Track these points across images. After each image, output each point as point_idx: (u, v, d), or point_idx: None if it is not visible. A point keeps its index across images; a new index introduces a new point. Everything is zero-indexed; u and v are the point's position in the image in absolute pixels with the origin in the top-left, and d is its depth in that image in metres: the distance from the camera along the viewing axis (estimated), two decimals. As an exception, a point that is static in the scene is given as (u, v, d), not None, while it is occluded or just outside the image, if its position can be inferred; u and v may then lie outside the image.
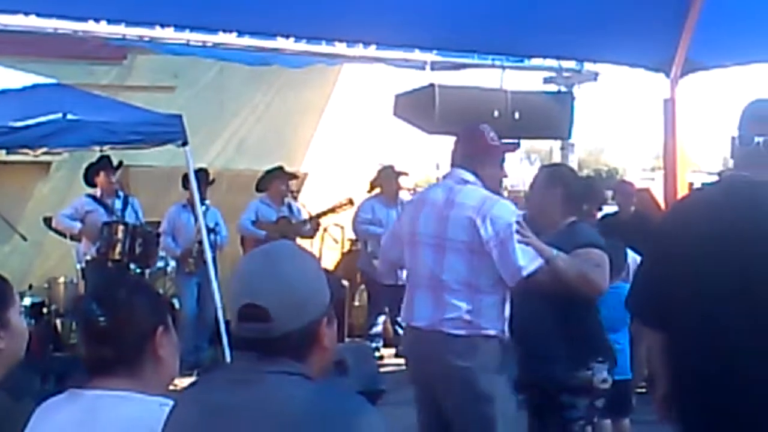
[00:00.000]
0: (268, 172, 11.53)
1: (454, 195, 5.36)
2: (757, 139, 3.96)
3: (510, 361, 5.33)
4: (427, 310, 5.32)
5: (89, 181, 10.70)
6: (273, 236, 10.53)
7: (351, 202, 11.70)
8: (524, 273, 5.11)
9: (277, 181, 11.44)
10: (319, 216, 11.64)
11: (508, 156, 5.71)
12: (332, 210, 11.73)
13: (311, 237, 11.57)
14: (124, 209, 10.58)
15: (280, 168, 11.54)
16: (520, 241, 5.10)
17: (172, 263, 11.38)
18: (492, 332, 5.23)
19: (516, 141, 5.98)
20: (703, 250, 3.90)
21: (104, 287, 2.82)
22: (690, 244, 3.96)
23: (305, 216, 11.67)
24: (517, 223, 5.13)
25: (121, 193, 10.76)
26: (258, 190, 11.53)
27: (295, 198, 12.15)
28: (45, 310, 11.33)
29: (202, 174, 10.55)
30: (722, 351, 3.82)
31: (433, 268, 5.30)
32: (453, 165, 5.54)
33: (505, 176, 5.74)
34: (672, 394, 4.10)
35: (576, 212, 5.59)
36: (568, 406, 5.43)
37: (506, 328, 5.29)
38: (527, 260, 5.12)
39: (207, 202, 10.80)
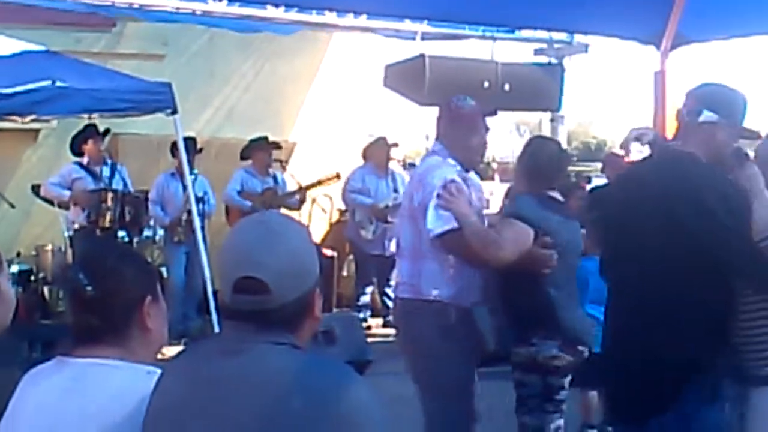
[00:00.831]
0: (252, 141, 11.51)
1: (417, 167, 5.81)
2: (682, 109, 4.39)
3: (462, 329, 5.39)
4: (398, 276, 5.79)
5: (76, 149, 10.67)
6: (259, 208, 10.53)
7: (338, 176, 11.69)
8: (431, 234, 5.28)
9: (261, 152, 11.42)
10: (305, 188, 11.63)
11: (493, 126, 5.75)
12: (319, 183, 11.72)
13: (297, 209, 11.56)
14: (111, 177, 10.57)
15: (265, 138, 11.52)
16: (440, 206, 5.22)
17: (161, 232, 11.36)
18: (431, 297, 5.37)
19: (493, 108, 5.94)
20: (626, 207, 4.44)
21: (92, 256, 2.82)
22: (620, 202, 4.57)
23: (290, 186, 11.69)
24: (444, 187, 5.24)
25: (108, 161, 10.74)
26: (242, 158, 11.52)
27: (284, 168, 12.14)
28: (32, 277, 11.33)
29: (190, 142, 10.53)
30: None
31: (398, 236, 5.72)
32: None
33: (480, 143, 5.63)
34: None
35: (537, 185, 5.47)
36: (518, 383, 5.47)
37: (456, 294, 5.37)
38: (438, 223, 5.26)
39: (195, 170, 10.80)
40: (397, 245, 5.69)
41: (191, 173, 10.38)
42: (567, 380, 5.46)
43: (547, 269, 5.28)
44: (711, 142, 4.28)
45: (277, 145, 11.63)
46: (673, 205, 4.13)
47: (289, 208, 11.20)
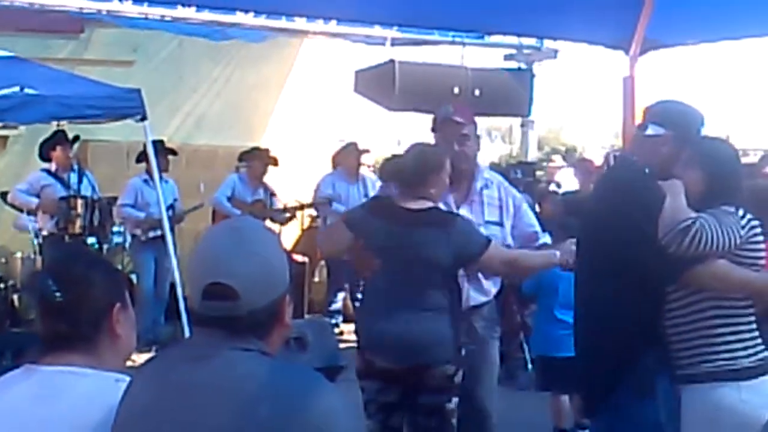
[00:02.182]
0: (253, 149, 11.53)
1: None
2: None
3: None
4: None
5: (44, 155, 10.58)
6: None
7: (330, 202, 11.61)
8: None
9: (257, 161, 11.42)
10: (296, 209, 11.65)
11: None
12: (311, 205, 11.75)
13: (283, 225, 11.56)
14: (79, 183, 10.49)
15: (266, 150, 11.52)
16: None
17: (130, 238, 11.29)
18: None
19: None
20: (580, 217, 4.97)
21: (61, 263, 2.80)
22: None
23: (277, 202, 11.68)
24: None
25: (76, 167, 10.65)
26: (240, 160, 11.51)
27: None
28: (2, 285, 11.24)
29: (158, 145, 10.53)
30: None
31: None
32: None
33: (449, 148, 5.55)
34: None
35: (399, 189, 5.46)
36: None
37: None
38: None
39: (163, 175, 10.81)
40: None
41: (161, 178, 10.43)
42: (371, 385, 5.26)
43: (365, 272, 5.39)
44: (655, 154, 4.46)
45: (275, 160, 11.59)
46: (601, 216, 4.45)
47: (276, 223, 11.21)
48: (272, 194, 11.72)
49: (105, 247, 10.69)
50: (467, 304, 5.48)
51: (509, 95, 10.60)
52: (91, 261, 2.83)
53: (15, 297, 11.25)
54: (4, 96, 8.35)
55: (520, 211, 5.75)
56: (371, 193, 11.44)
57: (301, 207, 11.71)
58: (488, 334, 5.69)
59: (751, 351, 4.26)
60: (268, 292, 2.39)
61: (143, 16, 10.81)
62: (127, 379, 2.50)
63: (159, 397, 2.35)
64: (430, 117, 5.82)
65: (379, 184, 12.26)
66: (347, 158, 11.95)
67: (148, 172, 10.71)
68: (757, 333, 4.30)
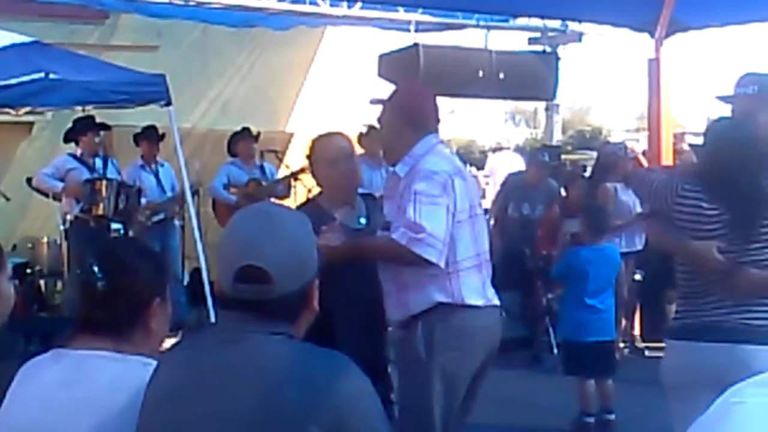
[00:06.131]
0: (234, 134, 11.48)
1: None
2: None
3: None
4: None
5: (71, 138, 10.53)
6: (244, 200, 10.34)
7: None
8: None
9: (243, 143, 11.37)
10: (290, 176, 11.51)
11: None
12: (301, 171, 11.55)
13: (285, 197, 11.40)
14: (104, 168, 10.50)
15: (246, 129, 11.47)
16: None
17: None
18: None
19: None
20: None
21: (111, 250, 2.83)
22: None
23: (281, 176, 11.63)
24: None
25: (101, 153, 10.65)
26: (230, 153, 11.48)
27: (280, 159, 12.10)
28: (28, 270, 11.28)
29: (151, 130, 10.73)
30: None
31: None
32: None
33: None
34: None
35: None
36: None
37: None
38: None
39: (159, 159, 11.06)
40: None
41: (157, 163, 10.89)
42: None
43: None
44: (744, 110, 4.54)
45: (257, 136, 11.52)
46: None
47: (278, 197, 11.12)
48: (276, 171, 11.69)
49: (131, 233, 10.69)
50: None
51: (534, 79, 10.55)
52: (140, 252, 2.83)
53: (42, 282, 11.32)
54: (29, 81, 8.38)
55: (401, 208, 4.72)
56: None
57: (295, 174, 11.43)
58: (395, 358, 5.02)
59: None
60: (300, 276, 2.39)
61: (167, 2, 10.81)
62: (154, 362, 2.51)
63: (187, 380, 2.36)
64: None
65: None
66: (371, 143, 11.92)
67: (143, 156, 10.94)
68: None
